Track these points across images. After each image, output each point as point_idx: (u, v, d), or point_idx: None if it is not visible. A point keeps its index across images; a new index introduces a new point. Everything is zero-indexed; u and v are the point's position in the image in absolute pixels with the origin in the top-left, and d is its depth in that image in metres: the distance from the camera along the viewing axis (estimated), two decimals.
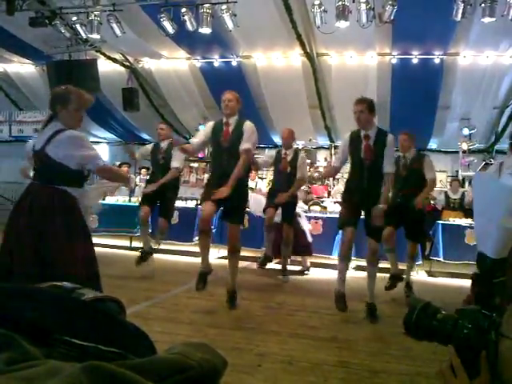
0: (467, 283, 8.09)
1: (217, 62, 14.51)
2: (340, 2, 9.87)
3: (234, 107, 6.35)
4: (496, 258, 1.20)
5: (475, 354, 1.09)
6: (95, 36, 11.80)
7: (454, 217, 10.50)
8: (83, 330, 0.69)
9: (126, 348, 0.68)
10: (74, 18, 11.59)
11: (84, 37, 12.24)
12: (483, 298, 1.09)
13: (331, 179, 14.51)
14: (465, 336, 1.11)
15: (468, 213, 11.06)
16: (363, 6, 9.91)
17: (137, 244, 10.63)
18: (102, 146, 21.37)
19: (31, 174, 4.90)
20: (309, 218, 9.77)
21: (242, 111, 6.55)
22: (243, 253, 10.20)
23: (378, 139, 6.01)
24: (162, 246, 9.42)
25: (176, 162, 8.25)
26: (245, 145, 6.10)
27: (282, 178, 8.46)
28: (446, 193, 11.87)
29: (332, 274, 7.52)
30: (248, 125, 6.27)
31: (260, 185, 13.63)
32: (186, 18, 10.63)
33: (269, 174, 14.75)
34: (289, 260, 8.94)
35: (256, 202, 9.41)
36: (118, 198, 11.61)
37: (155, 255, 9.21)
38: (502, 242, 1.20)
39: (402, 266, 7.55)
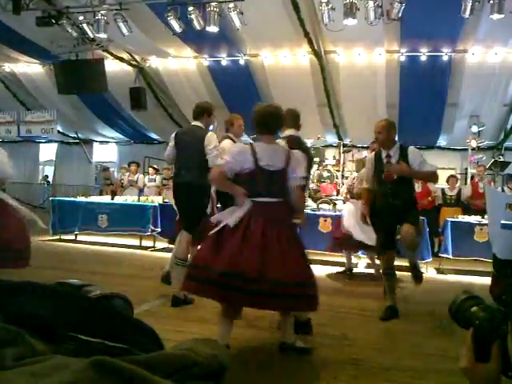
0: (476, 280, 8.11)
1: (224, 60, 14.52)
2: (348, 0, 9.85)
3: None
4: (504, 259, 1.23)
5: (487, 343, 1.21)
6: (102, 35, 11.83)
7: (453, 213, 10.48)
8: (90, 327, 0.69)
9: (132, 344, 0.68)
10: (81, 18, 11.63)
11: (91, 36, 12.28)
12: (497, 295, 1.16)
13: (340, 177, 14.49)
14: (478, 326, 1.23)
15: (466, 208, 11.05)
16: (371, 4, 9.88)
17: (146, 243, 10.65)
18: (111, 146, 21.47)
19: None
20: (318, 216, 9.73)
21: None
22: None
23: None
24: (172, 245, 9.41)
25: None
26: None
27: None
28: (443, 190, 11.82)
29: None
30: None
31: None
32: (193, 16, 10.63)
33: None
34: None
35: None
36: (127, 198, 11.64)
37: (164, 254, 9.24)
38: (506, 244, 1.23)
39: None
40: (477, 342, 1.22)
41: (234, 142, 6.65)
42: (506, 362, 1.20)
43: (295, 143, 5.33)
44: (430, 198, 11.22)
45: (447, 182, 11.91)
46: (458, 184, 12.13)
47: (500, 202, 1.16)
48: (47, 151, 22.94)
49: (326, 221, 9.76)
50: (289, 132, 5.56)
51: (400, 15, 9.89)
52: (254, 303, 4.19)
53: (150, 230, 10.32)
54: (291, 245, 4.23)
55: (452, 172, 13.85)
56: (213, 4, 10.50)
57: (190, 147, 6.10)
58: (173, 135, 6.43)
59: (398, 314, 5.77)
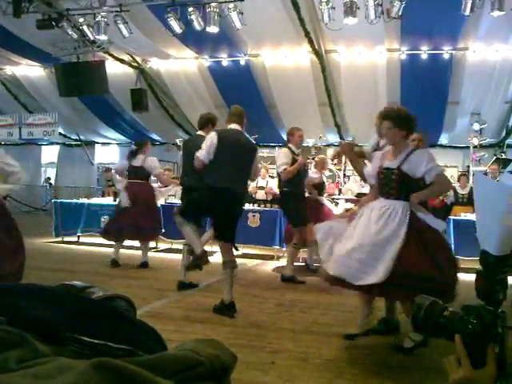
0: None
1: (225, 60, 14.53)
2: None
3: None
4: (498, 255, 1.24)
5: (482, 347, 1.16)
6: (102, 37, 11.83)
7: (463, 211, 10.44)
8: (93, 328, 0.69)
9: (135, 345, 0.68)
10: (81, 20, 11.64)
11: (91, 38, 12.28)
12: (487, 294, 1.14)
13: (341, 176, 14.50)
14: (470, 331, 1.17)
15: None
16: (371, 2, 9.89)
17: (151, 244, 10.63)
18: (112, 147, 21.48)
19: None
20: None
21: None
22: (254, 251, 10.24)
23: None
24: (174, 246, 9.38)
25: None
26: None
27: None
28: (454, 188, 11.78)
29: None
30: None
31: (271, 183, 13.30)
32: (193, 17, 10.64)
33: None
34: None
35: None
36: None
37: (167, 255, 9.25)
38: (503, 239, 1.24)
39: None
40: (471, 348, 1.17)
41: (293, 151, 7.53)
42: (501, 364, 1.16)
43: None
44: (441, 198, 11.19)
45: (458, 180, 11.92)
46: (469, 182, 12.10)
47: (499, 192, 1.16)
48: (49, 153, 22.96)
49: None
50: (231, 127, 5.88)
51: (400, 13, 9.89)
52: (383, 293, 4.62)
53: None
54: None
55: (454, 170, 13.82)
56: (213, 4, 10.50)
57: (192, 155, 6.29)
58: (182, 145, 7.10)
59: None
